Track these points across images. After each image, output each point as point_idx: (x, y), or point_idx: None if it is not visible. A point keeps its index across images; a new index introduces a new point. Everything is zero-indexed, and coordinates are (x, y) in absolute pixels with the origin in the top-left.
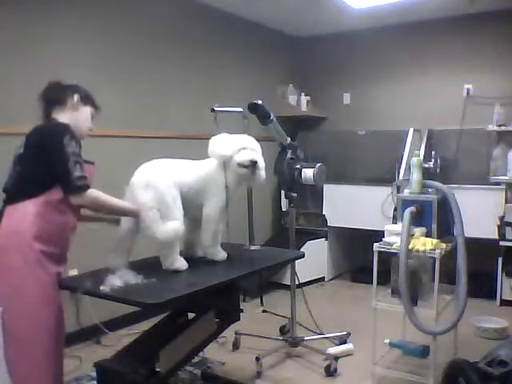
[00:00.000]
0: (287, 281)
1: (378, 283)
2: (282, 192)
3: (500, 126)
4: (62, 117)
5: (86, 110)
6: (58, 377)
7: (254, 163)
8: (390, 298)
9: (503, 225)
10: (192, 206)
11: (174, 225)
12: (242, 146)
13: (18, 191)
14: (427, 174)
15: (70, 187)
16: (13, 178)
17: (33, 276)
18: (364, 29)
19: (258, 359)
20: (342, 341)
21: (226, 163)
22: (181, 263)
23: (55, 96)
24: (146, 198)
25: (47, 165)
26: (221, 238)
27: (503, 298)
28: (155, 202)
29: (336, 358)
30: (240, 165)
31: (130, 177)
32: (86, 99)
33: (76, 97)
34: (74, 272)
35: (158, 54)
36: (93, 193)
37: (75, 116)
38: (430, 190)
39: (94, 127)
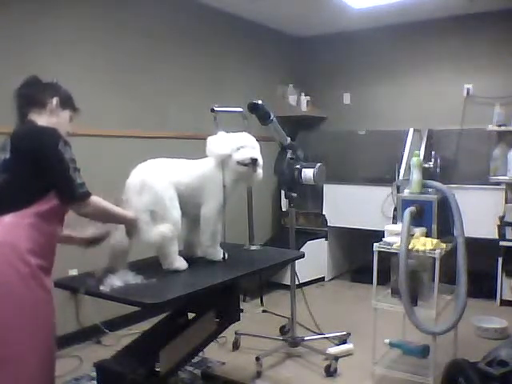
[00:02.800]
0: (287, 281)
1: (378, 283)
2: (282, 192)
3: (500, 126)
4: (40, 120)
5: (65, 114)
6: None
7: (254, 161)
8: (390, 298)
9: (503, 225)
10: (190, 206)
11: (161, 228)
12: (240, 145)
13: (7, 200)
14: (427, 174)
15: (73, 195)
16: None
17: (30, 293)
18: (364, 29)
19: (258, 359)
20: (342, 341)
21: (224, 162)
22: (180, 263)
23: (34, 96)
24: (140, 199)
25: (42, 173)
26: (220, 238)
27: (503, 298)
28: (151, 203)
29: (336, 357)
30: (240, 163)
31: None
32: (66, 103)
33: (55, 100)
34: (73, 272)
35: (159, 54)
36: (95, 199)
37: (54, 121)
38: (429, 189)
39: (72, 130)
